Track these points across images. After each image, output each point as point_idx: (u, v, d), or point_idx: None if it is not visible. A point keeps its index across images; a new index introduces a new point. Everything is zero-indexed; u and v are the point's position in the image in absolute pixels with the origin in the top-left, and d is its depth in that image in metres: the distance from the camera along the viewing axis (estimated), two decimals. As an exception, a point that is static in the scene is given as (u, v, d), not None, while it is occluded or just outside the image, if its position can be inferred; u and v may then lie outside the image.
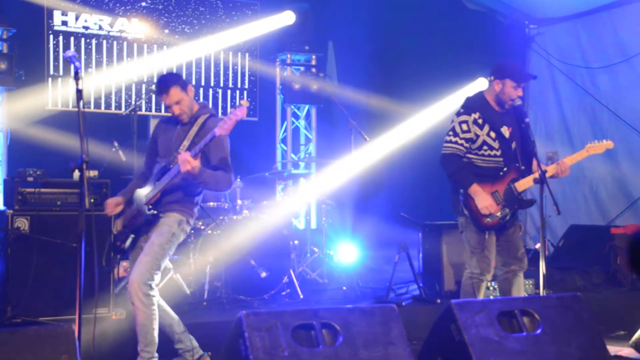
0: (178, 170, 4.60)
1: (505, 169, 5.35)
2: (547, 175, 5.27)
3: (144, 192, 4.87)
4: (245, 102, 4.51)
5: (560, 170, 5.35)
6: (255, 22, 9.42)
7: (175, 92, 4.85)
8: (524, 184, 5.31)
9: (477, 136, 5.33)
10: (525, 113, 5.44)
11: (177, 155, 4.72)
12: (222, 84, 9.33)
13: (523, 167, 5.38)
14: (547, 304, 4.55)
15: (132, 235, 4.92)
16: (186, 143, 4.83)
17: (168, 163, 4.82)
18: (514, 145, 5.40)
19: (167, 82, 4.87)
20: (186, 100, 4.89)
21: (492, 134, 5.33)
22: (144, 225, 4.89)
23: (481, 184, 5.30)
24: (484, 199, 5.26)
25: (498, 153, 5.34)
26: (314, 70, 9.71)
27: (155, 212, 4.84)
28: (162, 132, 5.07)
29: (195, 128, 4.87)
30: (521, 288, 5.56)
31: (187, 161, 4.51)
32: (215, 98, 9.30)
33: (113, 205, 4.98)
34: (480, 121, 5.33)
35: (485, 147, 5.33)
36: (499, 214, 5.29)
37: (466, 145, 5.34)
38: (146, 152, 5.22)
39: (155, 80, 8.74)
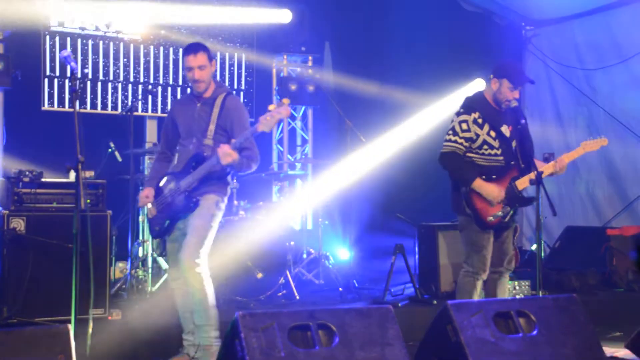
0: (217, 161, 4.73)
1: (511, 163, 5.38)
2: (545, 173, 5.30)
3: (179, 180, 4.96)
4: (286, 100, 4.65)
5: (559, 167, 5.38)
6: (251, 21, 9.39)
7: (202, 57, 4.99)
8: (523, 182, 5.34)
9: (477, 135, 5.34)
10: (522, 114, 5.45)
11: (205, 142, 4.93)
12: (218, 85, 9.30)
13: (523, 166, 5.40)
14: (543, 305, 4.55)
15: (168, 221, 5.01)
16: (212, 127, 4.96)
17: (201, 151, 4.93)
18: (514, 144, 5.42)
19: (197, 45, 5.06)
20: (208, 70, 5.02)
21: (492, 133, 5.35)
22: (181, 210, 4.95)
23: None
24: (491, 190, 5.29)
25: (499, 152, 5.36)
26: (310, 71, 9.71)
27: (195, 199, 4.92)
28: (180, 112, 5.16)
29: (216, 110, 4.98)
30: (505, 290, 5.63)
31: (228, 154, 4.67)
32: (211, 99, 9.27)
33: (144, 198, 5.13)
34: (480, 120, 5.34)
35: (485, 147, 5.35)
36: (500, 212, 5.32)
37: (466, 144, 5.36)
38: (163, 133, 5.31)
39: (152, 80, 8.73)
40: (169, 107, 8.82)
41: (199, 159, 4.93)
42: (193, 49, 5.02)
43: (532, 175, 5.27)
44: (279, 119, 4.64)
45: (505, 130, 5.39)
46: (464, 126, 5.36)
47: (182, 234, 4.99)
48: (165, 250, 7.32)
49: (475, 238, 5.39)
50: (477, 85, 9.60)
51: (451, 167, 5.41)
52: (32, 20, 8.10)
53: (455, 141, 5.36)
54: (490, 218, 5.32)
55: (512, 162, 5.38)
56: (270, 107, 4.64)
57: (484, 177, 5.34)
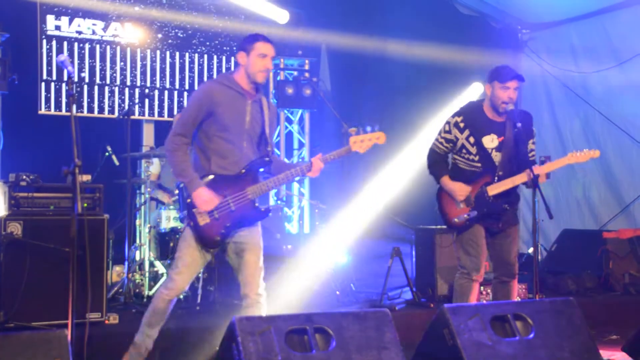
0: (304, 172, 4.72)
1: (487, 171, 5.39)
2: (520, 181, 5.30)
3: (244, 186, 4.61)
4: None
5: (534, 174, 5.30)
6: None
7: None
8: (495, 188, 5.32)
9: (457, 139, 5.47)
10: (518, 118, 5.42)
11: (268, 147, 4.77)
12: (215, 89, 9.32)
13: (501, 173, 5.37)
14: (540, 308, 4.56)
15: (229, 230, 4.62)
16: (268, 130, 4.77)
17: (264, 157, 4.72)
18: (498, 154, 5.36)
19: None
20: None
21: (471, 139, 5.40)
22: (249, 221, 4.69)
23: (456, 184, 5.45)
24: (454, 188, 5.42)
25: (476, 158, 5.41)
26: (307, 74, 9.73)
27: (265, 209, 4.73)
28: (224, 103, 4.61)
29: (266, 111, 4.77)
30: (509, 298, 5.56)
31: (320, 169, 4.70)
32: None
33: (212, 201, 4.55)
34: (461, 125, 5.43)
35: (464, 151, 5.45)
36: (466, 215, 5.35)
37: (446, 144, 5.52)
38: (191, 119, 4.61)
39: (148, 84, 8.73)
40: (165, 110, 8.83)
41: (266, 165, 4.73)
42: (268, 38, 4.70)
43: (510, 180, 5.28)
44: (372, 145, 4.85)
45: (488, 140, 5.37)
46: (446, 127, 5.52)
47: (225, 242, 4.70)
48: (159, 254, 7.35)
49: (462, 238, 5.46)
50: (474, 90, 9.64)
51: (428, 163, 5.63)
52: (29, 24, 8.12)
53: (437, 139, 5.58)
54: (455, 219, 5.41)
55: (489, 169, 5.38)
56: (373, 134, 4.82)
57: (460, 179, 5.44)
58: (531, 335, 4.38)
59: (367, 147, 4.84)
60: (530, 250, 9.27)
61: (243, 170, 4.65)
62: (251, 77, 4.67)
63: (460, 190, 5.39)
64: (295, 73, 9.80)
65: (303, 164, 4.78)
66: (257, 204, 4.69)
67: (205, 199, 4.52)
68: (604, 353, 5.10)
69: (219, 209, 4.58)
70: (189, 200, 4.57)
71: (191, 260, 4.64)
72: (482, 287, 6.85)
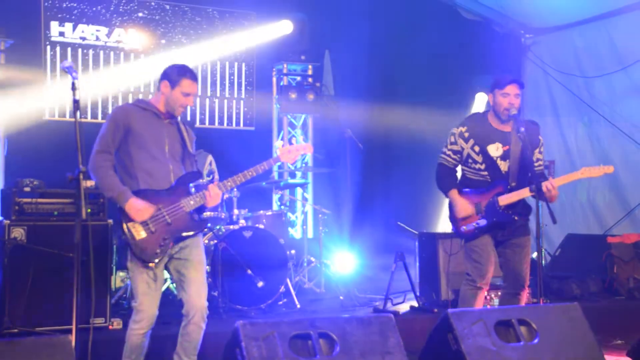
0: (202, 202, 4.61)
1: (497, 181, 5.37)
2: (528, 194, 5.29)
3: (178, 199, 4.56)
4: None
5: (547, 189, 5.20)
6: (252, 31, 9.44)
7: None
8: (507, 198, 5.31)
9: (462, 149, 5.48)
10: (521, 123, 5.41)
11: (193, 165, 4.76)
12: (218, 94, 9.34)
13: (514, 184, 5.36)
14: (545, 313, 4.55)
15: (169, 243, 4.55)
16: (190, 149, 4.80)
17: (193, 173, 4.72)
18: (504, 163, 5.35)
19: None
20: None
21: (476, 148, 5.41)
22: (189, 232, 4.63)
23: (467, 195, 5.44)
24: (459, 204, 5.43)
25: (482, 167, 5.41)
26: (310, 79, 9.73)
27: (203, 220, 4.76)
28: (141, 121, 4.62)
29: (184, 132, 4.79)
30: None
31: (219, 196, 4.62)
32: (212, 108, 9.31)
33: (146, 210, 4.47)
34: (466, 135, 5.45)
35: (470, 160, 5.47)
36: (474, 224, 5.35)
37: (454, 156, 5.52)
38: (111, 137, 4.55)
39: (152, 90, 8.74)
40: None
41: (196, 178, 4.74)
42: (195, 75, 4.72)
43: (522, 192, 5.27)
44: (302, 154, 5.17)
45: (493, 148, 5.37)
46: (452, 139, 5.53)
47: (167, 257, 4.62)
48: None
49: (470, 246, 5.47)
50: (479, 100, 9.67)
51: (436, 177, 5.62)
52: (33, 31, 8.15)
53: (444, 152, 5.57)
54: (464, 227, 5.43)
55: (498, 179, 5.38)
56: (279, 143, 4.89)
57: (467, 189, 5.46)
58: (536, 341, 4.36)
59: (295, 157, 5.12)
60: (534, 254, 9.25)
61: (172, 183, 4.61)
62: (170, 108, 4.67)
63: (462, 209, 5.40)
64: (299, 78, 9.79)
65: (201, 191, 4.66)
66: (194, 216, 4.64)
67: (139, 208, 4.45)
68: (608, 358, 5.09)
69: (154, 221, 4.50)
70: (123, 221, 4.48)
71: (146, 285, 4.55)
72: (486, 292, 6.83)
